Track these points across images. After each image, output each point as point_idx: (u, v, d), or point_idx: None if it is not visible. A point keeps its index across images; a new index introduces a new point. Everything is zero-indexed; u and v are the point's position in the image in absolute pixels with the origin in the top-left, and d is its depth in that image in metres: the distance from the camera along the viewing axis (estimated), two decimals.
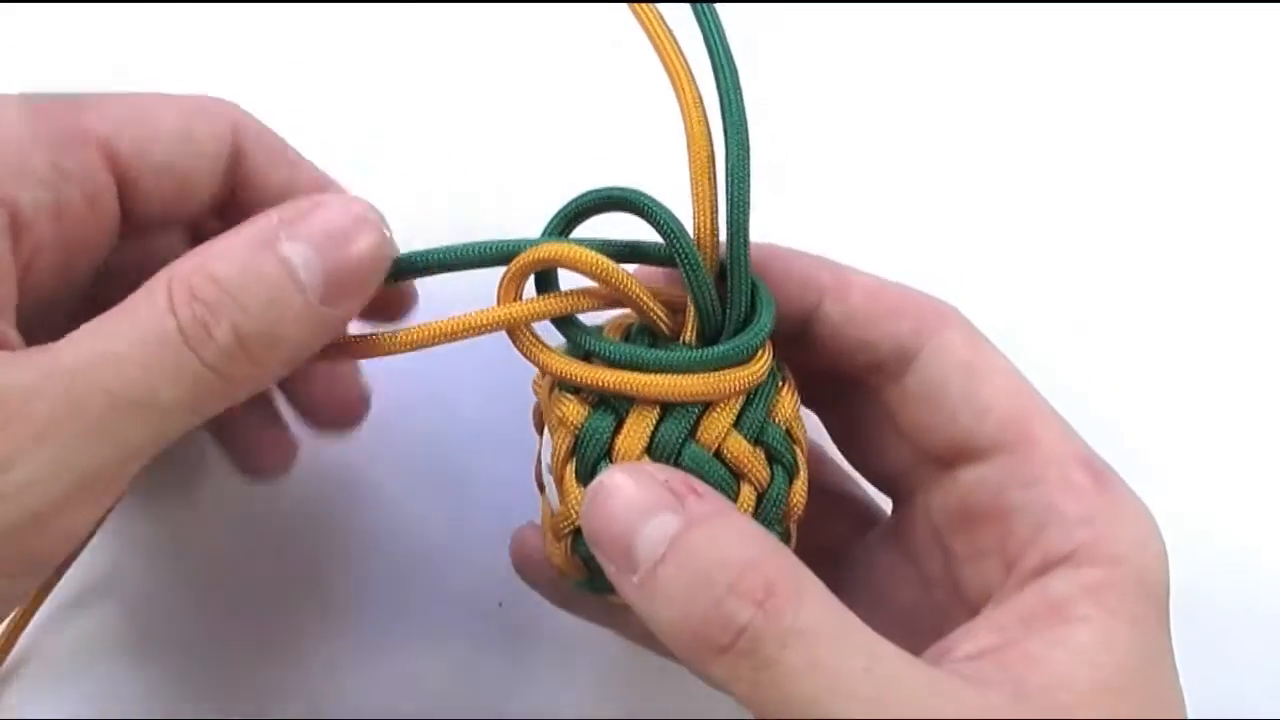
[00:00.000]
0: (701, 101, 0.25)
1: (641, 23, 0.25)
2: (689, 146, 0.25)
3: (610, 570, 0.23)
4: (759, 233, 0.26)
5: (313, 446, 0.35)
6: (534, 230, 0.26)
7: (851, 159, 0.36)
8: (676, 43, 0.25)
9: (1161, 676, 0.24)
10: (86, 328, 0.23)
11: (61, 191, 0.25)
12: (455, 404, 0.36)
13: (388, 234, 0.25)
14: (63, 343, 0.23)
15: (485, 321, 0.25)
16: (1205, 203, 0.37)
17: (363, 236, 0.24)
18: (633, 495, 0.23)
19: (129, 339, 0.23)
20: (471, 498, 0.37)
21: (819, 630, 0.22)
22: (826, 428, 0.31)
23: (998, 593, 0.26)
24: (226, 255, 0.23)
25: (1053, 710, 0.22)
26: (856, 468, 0.31)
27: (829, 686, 0.21)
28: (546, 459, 0.27)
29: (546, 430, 0.28)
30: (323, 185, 0.30)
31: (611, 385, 0.25)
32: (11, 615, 0.33)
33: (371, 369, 0.32)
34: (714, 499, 0.24)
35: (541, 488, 0.29)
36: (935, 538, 0.28)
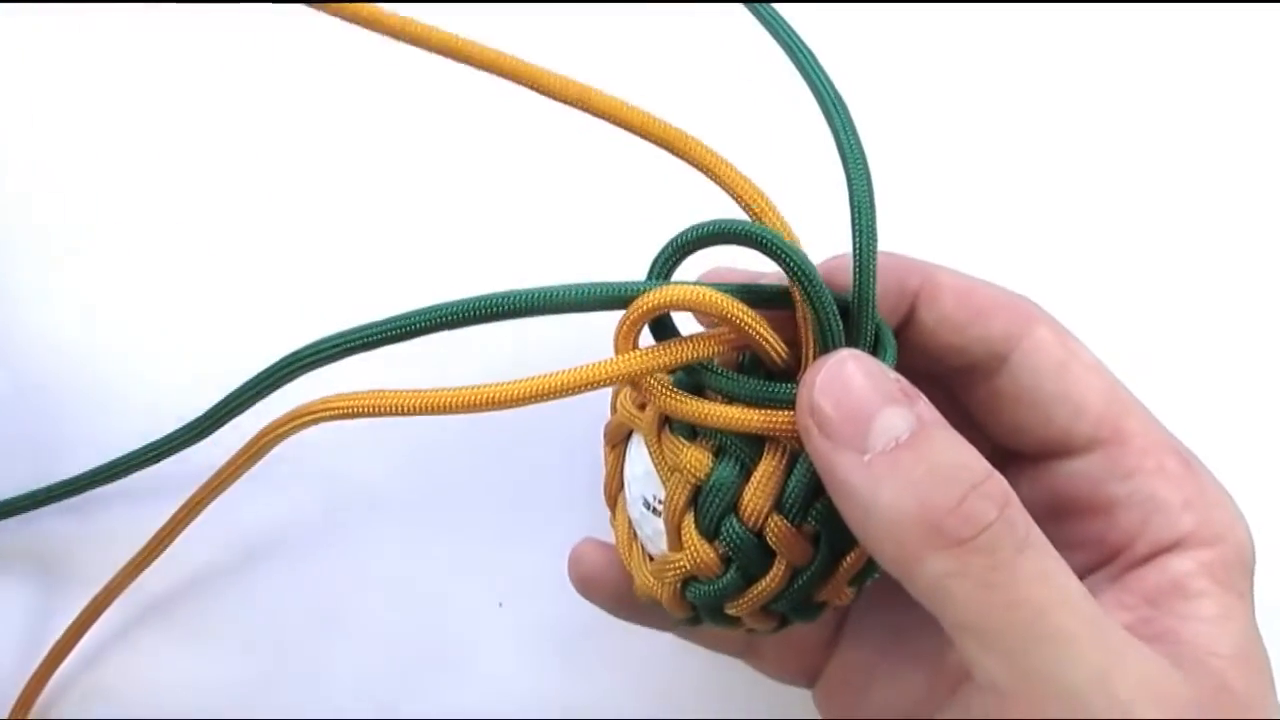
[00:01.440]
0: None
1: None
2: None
3: (823, 446, 0.23)
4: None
5: (310, 449, 0.34)
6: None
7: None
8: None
9: (1264, 646, 0.25)
10: None
11: None
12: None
13: None
14: None
15: (617, 372, 0.24)
16: (1212, 210, 0.38)
17: None
18: (871, 382, 0.23)
19: None
20: (471, 498, 0.36)
21: (1047, 549, 0.23)
22: None
23: (1094, 577, 0.27)
24: None
25: (1209, 676, 0.23)
26: None
27: (1059, 599, 0.22)
28: (648, 494, 0.26)
29: (634, 452, 0.27)
30: None
31: (760, 426, 0.24)
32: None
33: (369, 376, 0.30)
34: (935, 409, 0.24)
35: (613, 506, 0.28)
36: None
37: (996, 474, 0.23)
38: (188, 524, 0.31)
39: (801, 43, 0.27)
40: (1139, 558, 0.26)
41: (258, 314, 0.37)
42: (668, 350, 0.24)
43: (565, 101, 0.26)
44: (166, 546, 0.32)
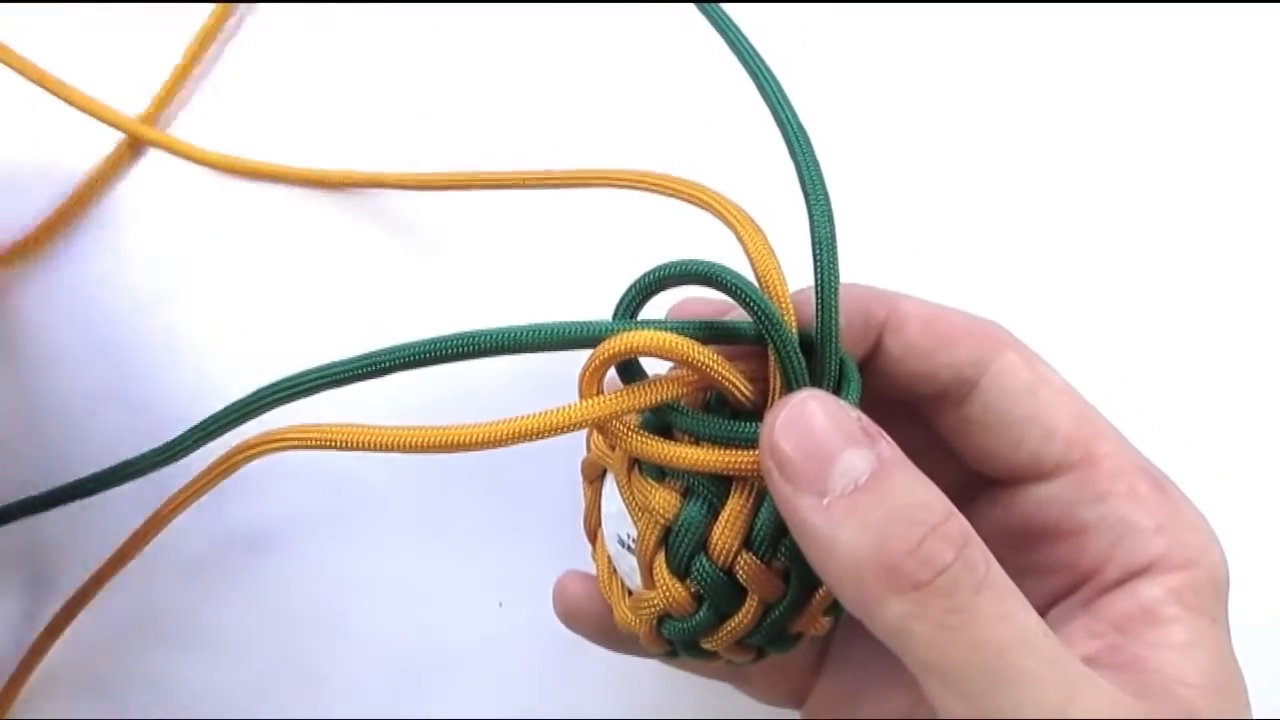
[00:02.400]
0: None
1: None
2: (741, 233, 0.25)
3: (784, 488, 0.23)
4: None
5: (309, 454, 0.35)
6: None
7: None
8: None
9: (1239, 671, 0.25)
10: None
11: None
12: (452, 404, 0.35)
13: None
14: None
15: (580, 418, 0.24)
16: (1179, 231, 0.38)
17: None
18: (832, 422, 0.23)
19: None
20: (472, 498, 0.37)
21: (1007, 587, 0.22)
22: None
23: (1066, 603, 0.27)
24: None
25: (1175, 705, 0.23)
26: None
27: (1019, 639, 0.22)
28: (622, 533, 0.27)
29: (609, 490, 0.27)
30: None
31: (724, 467, 0.24)
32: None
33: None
34: (896, 447, 0.24)
35: (593, 540, 0.28)
36: None
37: (956, 514, 0.23)
38: (149, 540, 0.32)
39: (772, 76, 0.27)
40: (1110, 583, 0.26)
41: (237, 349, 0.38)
42: (630, 394, 0.24)
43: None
44: (130, 560, 0.33)
